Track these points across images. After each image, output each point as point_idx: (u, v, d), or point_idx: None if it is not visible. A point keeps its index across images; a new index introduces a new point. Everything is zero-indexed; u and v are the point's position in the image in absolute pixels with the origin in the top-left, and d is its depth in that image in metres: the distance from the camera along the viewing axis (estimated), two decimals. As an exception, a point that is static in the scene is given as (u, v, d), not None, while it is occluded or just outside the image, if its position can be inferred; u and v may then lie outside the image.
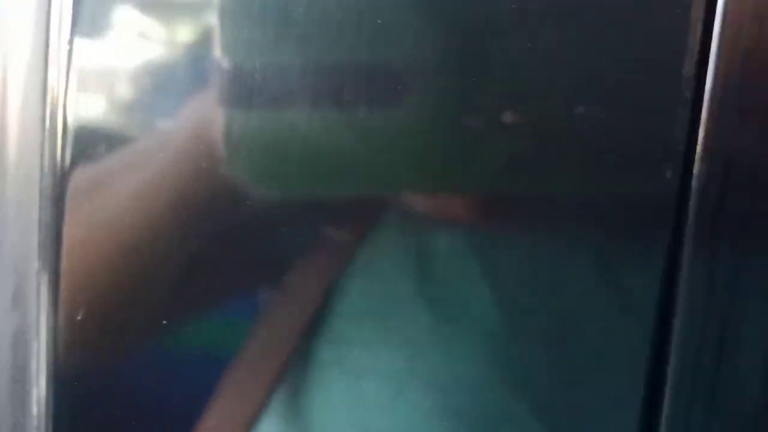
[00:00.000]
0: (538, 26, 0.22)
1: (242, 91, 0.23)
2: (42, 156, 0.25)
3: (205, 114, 0.24)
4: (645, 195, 0.22)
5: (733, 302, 0.22)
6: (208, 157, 0.23)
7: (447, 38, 0.22)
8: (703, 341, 0.23)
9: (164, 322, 0.25)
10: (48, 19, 0.24)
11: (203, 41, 0.24)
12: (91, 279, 0.25)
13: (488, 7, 0.22)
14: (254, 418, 0.25)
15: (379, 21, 0.22)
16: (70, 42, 0.24)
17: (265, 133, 0.23)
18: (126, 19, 0.24)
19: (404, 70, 0.22)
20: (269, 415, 0.25)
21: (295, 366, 0.25)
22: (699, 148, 0.21)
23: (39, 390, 0.25)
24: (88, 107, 0.24)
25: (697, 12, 0.21)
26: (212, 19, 0.23)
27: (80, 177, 0.24)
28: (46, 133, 0.25)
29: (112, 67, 0.24)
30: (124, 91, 0.24)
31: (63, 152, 0.24)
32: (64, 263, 0.25)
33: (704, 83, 0.21)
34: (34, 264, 0.25)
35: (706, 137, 0.21)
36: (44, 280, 0.25)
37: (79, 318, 0.25)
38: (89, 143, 0.24)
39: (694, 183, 0.21)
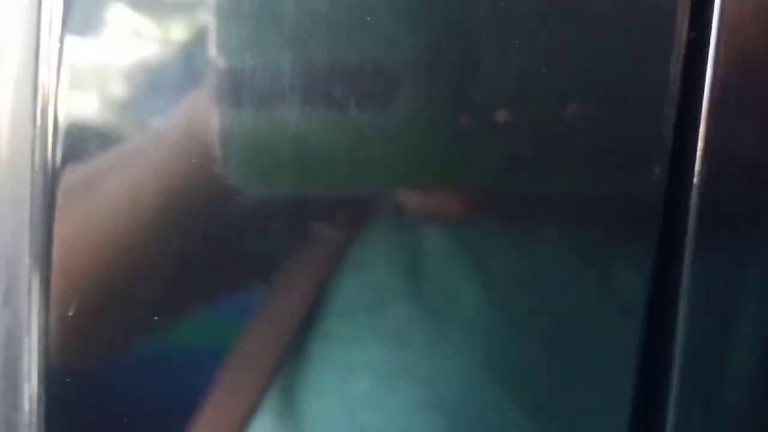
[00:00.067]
0: (527, 24, 0.22)
1: (236, 89, 0.23)
2: (33, 153, 0.24)
3: (199, 112, 0.23)
4: (634, 193, 0.23)
5: (725, 301, 0.22)
6: (202, 156, 0.23)
7: (438, 36, 0.22)
8: (698, 340, 0.23)
9: (156, 319, 0.25)
10: (39, 16, 0.24)
11: (196, 39, 0.23)
12: (83, 276, 0.25)
13: (478, 6, 0.22)
14: (247, 415, 0.25)
15: (372, 20, 0.22)
16: (61, 39, 0.24)
17: (259, 132, 0.23)
18: (118, 16, 0.24)
19: (395, 69, 0.23)
20: (261, 413, 0.25)
21: (287, 363, 0.25)
22: (688, 145, 0.22)
23: (31, 387, 0.25)
24: (79, 105, 0.24)
25: (684, 8, 0.22)
26: (206, 17, 0.23)
27: (72, 175, 0.24)
28: (37, 130, 0.24)
29: (103, 65, 0.24)
30: (116, 88, 0.24)
31: (54, 150, 0.24)
32: (56, 261, 0.24)
33: (693, 81, 0.22)
34: (26, 261, 0.25)
35: (696, 134, 0.22)
36: (36, 277, 0.25)
37: (70, 315, 0.25)
38: (80, 141, 0.24)
39: (683, 180, 0.22)
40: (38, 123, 0.24)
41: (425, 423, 0.25)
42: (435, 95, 0.23)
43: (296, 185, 0.23)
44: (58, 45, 0.24)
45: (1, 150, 0.25)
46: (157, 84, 0.24)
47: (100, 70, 0.24)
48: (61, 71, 0.24)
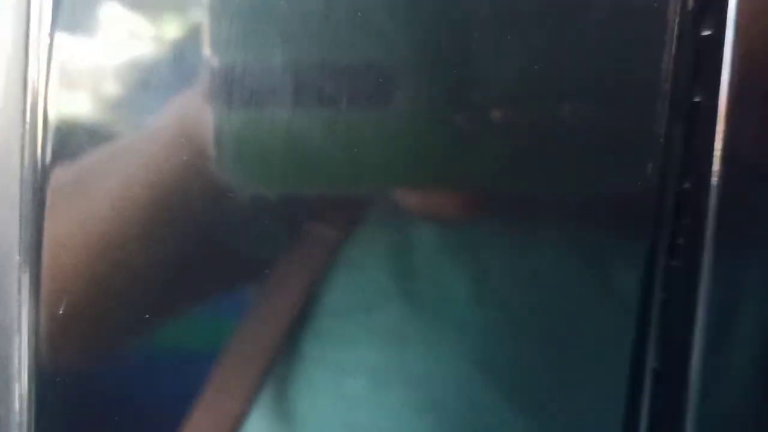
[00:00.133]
0: (523, 23, 0.22)
1: (228, 87, 0.23)
2: (23, 150, 0.24)
3: (192, 110, 0.23)
4: (629, 192, 0.23)
5: (718, 301, 0.23)
6: (194, 154, 0.23)
7: (432, 35, 0.22)
8: (693, 339, 0.23)
9: (147, 319, 0.24)
10: (28, 12, 0.24)
11: (189, 36, 0.23)
12: (74, 275, 0.24)
13: (473, 4, 0.22)
14: (240, 416, 0.25)
15: (365, 18, 0.22)
16: (51, 35, 0.24)
17: (252, 130, 0.23)
18: (109, 12, 0.24)
19: (389, 68, 0.23)
20: (255, 413, 0.25)
21: (279, 363, 0.25)
22: (682, 143, 0.22)
23: (21, 386, 0.25)
24: (69, 102, 0.24)
25: (676, 5, 0.22)
26: (198, 14, 0.23)
27: (62, 172, 0.24)
28: (27, 126, 0.24)
29: (94, 62, 0.24)
30: (107, 86, 0.24)
31: (44, 147, 0.24)
32: (46, 259, 0.24)
33: (686, 78, 0.22)
34: (15, 259, 0.25)
35: (689, 132, 0.22)
36: (26, 275, 0.25)
37: (60, 313, 0.24)
38: (71, 138, 0.24)
39: (678, 179, 0.22)
40: (28, 120, 0.24)
41: (419, 423, 0.25)
42: (430, 94, 0.23)
43: (289, 184, 0.23)
44: (48, 41, 0.24)
45: (-10, 146, 0.25)
46: (148, 81, 0.24)
47: (90, 67, 0.24)
48: (51, 68, 0.24)
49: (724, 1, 0.22)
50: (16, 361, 0.25)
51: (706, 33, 0.22)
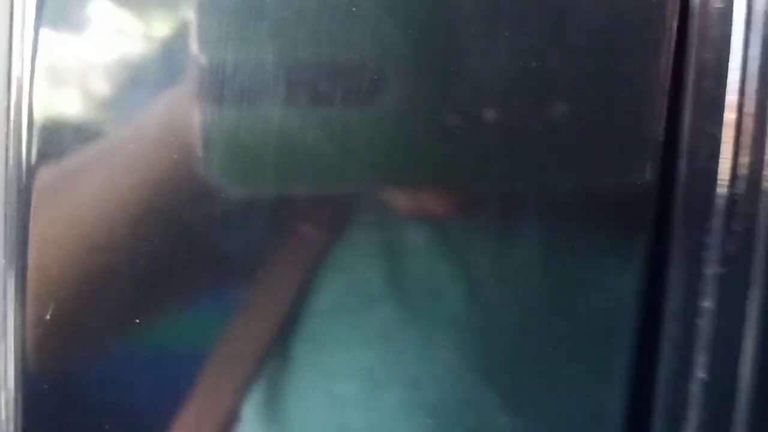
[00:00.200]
0: (518, 23, 0.22)
1: (217, 86, 0.23)
2: (7, 150, 0.24)
3: (180, 109, 0.23)
4: (624, 190, 0.23)
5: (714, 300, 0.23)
6: (182, 153, 0.23)
7: (422, 34, 0.22)
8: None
9: (136, 320, 0.24)
10: (11, 5, 0.23)
11: (177, 33, 0.23)
12: (60, 277, 0.24)
13: (466, 3, 0.22)
14: (228, 417, 0.25)
15: (353, 17, 0.22)
16: (36, 29, 0.23)
17: (240, 130, 0.23)
18: (95, 8, 0.23)
19: (378, 67, 0.22)
20: (247, 416, 0.25)
21: (270, 366, 0.25)
22: (680, 142, 0.22)
23: (7, 392, 0.24)
24: (54, 100, 0.24)
25: (675, 3, 0.22)
26: (187, 12, 0.23)
27: (47, 171, 0.24)
28: (11, 125, 0.24)
29: (80, 59, 0.23)
30: (93, 83, 0.24)
31: (29, 145, 0.23)
32: (31, 260, 0.24)
33: (682, 76, 0.22)
34: (0, 261, 0.24)
35: (686, 131, 0.22)
36: (11, 278, 0.24)
37: (48, 317, 0.24)
38: (57, 136, 0.23)
39: (675, 178, 0.22)
40: (12, 118, 0.24)
41: (412, 424, 0.25)
42: (420, 93, 0.23)
43: (277, 184, 0.23)
44: (32, 37, 0.23)
45: (-28, 146, 0.24)
46: (135, 79, 0.23)
47: (76, 64, 0.24)
48: (36, 64, 0.23)
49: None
50: (1, 367, 0.24)
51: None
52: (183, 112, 0.23)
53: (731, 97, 0.21)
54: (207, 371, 0.24)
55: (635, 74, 0.23)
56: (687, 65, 0.22)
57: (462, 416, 0.24)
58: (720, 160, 0.22)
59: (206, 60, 0.23)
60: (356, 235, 0.24)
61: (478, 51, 0.22)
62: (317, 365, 0.25)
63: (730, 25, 0.22)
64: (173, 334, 0.24)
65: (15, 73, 0.24)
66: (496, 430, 0.24)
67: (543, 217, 0.23)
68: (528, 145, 0.23)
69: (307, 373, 0.25)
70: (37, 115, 0.23)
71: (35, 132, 0.23)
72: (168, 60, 0.23)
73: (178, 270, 0.24)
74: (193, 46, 0.23)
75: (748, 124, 0.22)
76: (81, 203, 0.24)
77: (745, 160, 0.22)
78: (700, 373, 0.23)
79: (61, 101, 0.24)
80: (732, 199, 0.22)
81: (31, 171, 0.23)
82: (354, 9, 0.22)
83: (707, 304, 0.22)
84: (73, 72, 0.23)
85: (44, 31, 0.23)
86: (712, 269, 0.22)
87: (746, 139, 0.22)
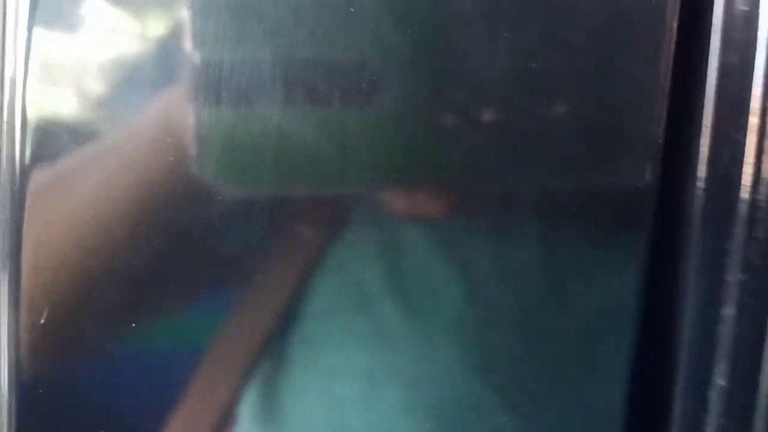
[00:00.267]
0: (517, 24, 0.22)
1: (214, 85, 0.22)
2: (0, 150, 0.23)
3: (177, 109, 0.23)
4: (623, 191, 0.23)
5: (711, 301, 0.23)
6: (179, 154, 0.23)
7: (421, 34, 0.22)
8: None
9: (132, 323, 0.24)
10: (4, 5, 0.23)
11: (172, 33, 0.23)
12: (55, 280, 0.24)
13: (465, 3, 0.22)
14: (225, 419, 0.25)
15: (350, 16, 0.22)
16: (29, 29, 0.23)
17: (238, 130, 0.23)
18: (90, 7, 0.23)
19: (377, 66, 0.22)
20: (245, 418, 0.25)
21: (268, 367, 0.24)
22: (680, 144, 0.22)
23: (1, 397, 0.24)
24: (49, 99, 0.23)
25: (675, 3, 0.22)
26: (182, 10, 0.23)
27: (42, 173, 0.23)
28: (5, 126, 0.23)
29: (74, 58, 0.23)
30: (89, 82, 0.23)
31: (23, 146, 0.23)
32: (25, 263, 0.24)
33: (681, 75, 0.22)
34: (-7, 265, 0.24)
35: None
36: (4, 281, 0.24)
37: (42, 321, 0.24)
38: (51, 137, 0.23)
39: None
40: (5, 118, 0.24)
41: (411, 424, 0.25)
42: (418, 93, 0.23)
43: (274, 184, 0.23)
44: (26, 36, 0.23)
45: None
46: (131, 79, 0.23)
47: (71, 64, 0.23)
48: (29, 64, 0.23)
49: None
50: (-5, 372, 0.24)
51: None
52: (180, 112, 0.23)
53: (755, 102, 0.21)
54: (203, 373, 0.24)
55: (634, 75, 0.23)
56: (710, 68, 0.22)
57: (461, 416, 0.24)
58: (743, 165, 0.22)
59: (203, 59, 0.23)
60: (354, 236, 0.23)
61: (477, 51, 0.22)
62: (315, 365, 0.24)
63: (756, 28, 0.21)
64: (169, 336, 0.24)
65: (8, 73, 0.23)
66: (495, 430, 0.24)
67: (542, 217, 0.23)
68: (527, 145, 0.23)
69: (308, 376, 0.25)
70: (31, 116, 0.23)
71: (29, 133, 0.23)
72: (164, 59, 0.23)
73: (174, 272, 0.24)
74: (190, 46, 0.23)
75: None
76: (76, 205, 0.23)
77: (768, 165, 0.22)
78: (719, 381, 0.23)
79: (55, 101, 0.23)
80: (755, 204, 0.22)
81: (25, 172, 0.23)
82: (352, 9, 0.22)
83: (728, 311, 0.22)
84: (68, 72, 0.23)
85: (38, 30, 0.23)
86: (733, 276, 0.22)
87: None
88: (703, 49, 0.22)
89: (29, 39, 0.23)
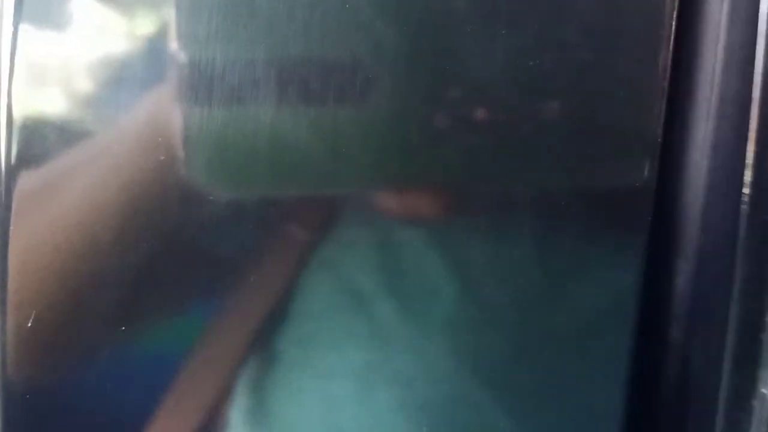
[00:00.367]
0: (515, 23, 0.22)
1: (205, 85, 0.22)
2: (-14, 151, 0.23)
3: (167, 109, 0.23)
4: (621, 190, 0.23)
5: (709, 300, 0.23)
6: (169, 154, 0.23)
7: (415, 32, 0.22)
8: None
9: (121, 326, 0.24)
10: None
11: (162, 31, 0.23)
12: (42, 283, 0.23)
13: (462, 2, 0.22)
14: (216, 421, 0.25)
15: (343, 14, 0.22)
16: (15, 27, 0.23)
17: (229, 130, 0.23)
18: (78, 5, 0.23)
19: (368, 66, 0.22)
20: (239, 419, 0.25)
21: (261, 367, 0.24)
22: (679, 141, 0.22)
23: (-12, 402, 0.24)
24: (36, 99, 0.23)
25: (673, 2, 0.22)
26: (170, 10, 0.23)
27: (29, 174, 0.23)
28: (-9, 126, 0.23)
29: (63, 56, 0.23)
30: (77, 82, 0.23)
31: (8, 147, 0.23)
32: (12, 266, 0.23)
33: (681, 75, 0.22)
34: (-21, 268, 0.24)
35: (686, 130, 0.22)
36: (-10, 285, 0.23)
37: (29, 325, 0.23)
38: (39, 138, 0.23)
39: (674, 177, 0.22)
40: (-9, 119, 0.23)
41: (406, 424, 0.25)
42: (420, 93, 0.22)
43: (266, 184, 0.23)
44: (11, 34, 0.23)
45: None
46: (120, 79, 0.23)
47: (59, 63, 0.23)
48: (16, 63, 0.23)
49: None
50: (-19, 376, 0.24)
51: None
52: (170, 111, 0.23)
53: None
54: (194, 375, 0.24)
55: (633, 74, 0.22)
56: (711, 66, 0.22)
57: (457, 416, 0.24)
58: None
59: (193, 58, 0.22)
60: (348, 236, 0.23)
61: (473, 50, 0.22)
62: (310, 366, 0.24)
63: (756, 25, 0.21)
64: (159, 338, 0.24)
65: (-6, 72, 0.23)
66: (492, 430, 0.24)
67: (540, 216, 0.23)
68: (525, 144, 0.22)
69: (302, 376, 0.24)
70: (17, 116, 0.23)
71: (15, 133, 0.23)
72: (154, 58, 0.23)
73: (165, 273, 0.23)
74: (180, 44, 0.22)
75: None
76: (63, 206, 0.23)
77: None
78: (764, 389, 0.23)
79: (43, 101, 0.23)
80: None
81: (12, 174, 0.23)
82: (346, 6, 0.22)
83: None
84: (56, 71, 0.23)
85: (24, 28, 0.23)
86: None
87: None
88: (703, 49, 0.22)
89: (15, 37, 0.23)
